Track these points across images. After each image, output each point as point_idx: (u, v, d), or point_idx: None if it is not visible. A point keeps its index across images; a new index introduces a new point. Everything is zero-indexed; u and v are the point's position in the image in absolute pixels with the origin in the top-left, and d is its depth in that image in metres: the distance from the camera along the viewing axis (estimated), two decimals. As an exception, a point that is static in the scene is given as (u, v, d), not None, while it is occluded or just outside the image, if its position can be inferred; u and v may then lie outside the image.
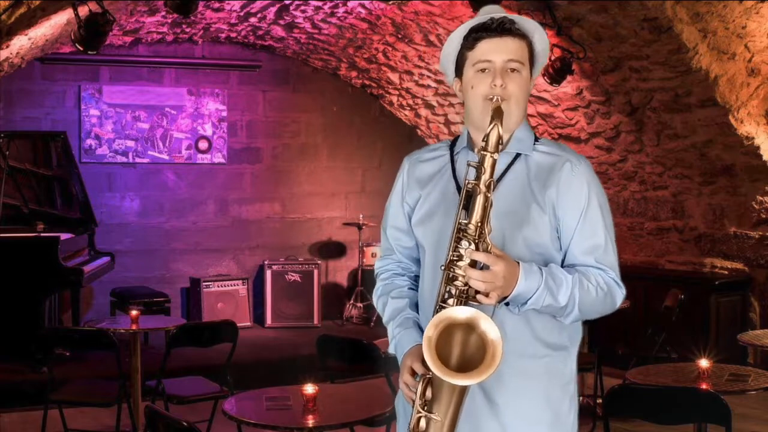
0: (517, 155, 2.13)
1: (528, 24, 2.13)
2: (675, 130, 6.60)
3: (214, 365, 5.54)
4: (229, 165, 8.71)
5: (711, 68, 5.95)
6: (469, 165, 1.97)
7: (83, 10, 5.35)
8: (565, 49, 6.30)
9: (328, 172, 9.11)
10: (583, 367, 5.68)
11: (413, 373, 2.01)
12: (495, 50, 2.10)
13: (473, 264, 1.91)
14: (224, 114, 8.65)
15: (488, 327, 1.87)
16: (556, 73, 6.33)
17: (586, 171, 2.10)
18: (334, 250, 9.11)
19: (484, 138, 1.95)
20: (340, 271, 9.14)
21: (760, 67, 6.05)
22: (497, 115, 1.96)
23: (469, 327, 1.89)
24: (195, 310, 8.23)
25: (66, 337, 5.41)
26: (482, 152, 1.94)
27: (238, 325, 5.19)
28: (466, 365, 1.89)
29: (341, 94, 9.11)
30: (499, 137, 1.94)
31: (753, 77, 6.08)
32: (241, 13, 7.30)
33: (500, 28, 2.10)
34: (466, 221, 1.94)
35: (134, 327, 5.18)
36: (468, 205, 1.95)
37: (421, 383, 1.94)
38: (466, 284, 1.92)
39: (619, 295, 2.09)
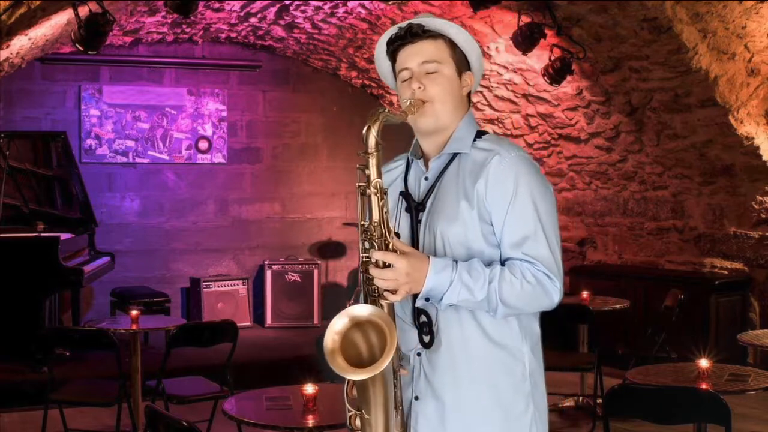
0: (455, 155, 2.14)
1: (437, 23, 2.14)
2: (675, 130, 6.60)
3: (214, 365, 5.54)
4: (229, 165, 8.71)
5: (711, 68, 5.95)
6: (358, 168, 2.01)
7: (83, 11, 5.35)
8: (565, 49, 6.30)
9: (328, 172, 9.12)
10: (583, 367, 5.70)
11: None
12: (409, 56, 2.14)
13: (385, 264, 1.95)
14: (224, 114, 8.65)
15: (368, 311, 1.92)
16: (556, 73, 6.33)
17: (515, 162, 2.06)
18: (334, 250, 9.11)
19: (363, 140, 1.99)
20: (340, 271, 9.14)
21: (759, 67, 6.05)
22: (370, 118, 1.99)
23: (357, 324, 1.93)
24: (195, 310, 8.23)
25: (66, 337, 5.41)
26: (362, 154, 1.98)
27: (238, 325, 5.19)
28: (378, 356, 1.91)
29: (341, 94, 9.11)
30: (375, 139, 1.97)
31: (753, 77, 6.08)
32: (241, 14, 7.30)
33: (410, 34, 2.13)
34: (366, 222, 1.98)
35: (134, 327, 5.19)
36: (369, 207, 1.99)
37: (346, 383, 2.00)
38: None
39: (553, 289, 2.03)
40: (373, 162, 1.97)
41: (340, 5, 6.97)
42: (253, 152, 8.83)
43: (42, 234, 6.73)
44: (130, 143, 8.32)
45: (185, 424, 3.00)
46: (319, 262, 8.61)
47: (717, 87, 6.02)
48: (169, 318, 7.07)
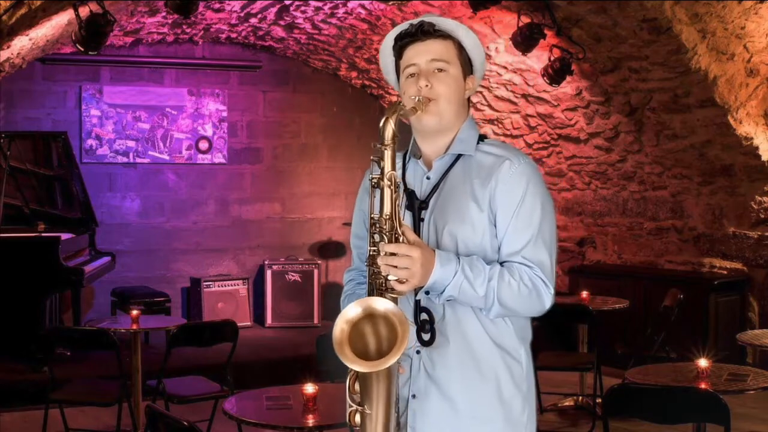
0: (459, 156, 2.16)
1: (448, 24, 2.16)
2: (674, 130, 6.61)
3: (214, 365, 5.55)
4: (230, 165, 8.73)
5: (710, 69, 5.96)
6: (372, 160, 2.02)
7: (84, 11, 5.36)
8: (565, 49, 6.31)
9: (328, 172, 9.13)
10: (582, 366, 5.71)
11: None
12: (418, 53, 2.14)
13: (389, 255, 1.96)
14: (224, 114, 8.66)
15: (385, 305, 1.90)
16: (556, 74, 6.34)
17: (525, 169, 2.10)
18: (334, 250, 9.12)
19: (379, 133, 1.99)
20: (340, 271, 9.14)
21: (758, 67, 6.06)
22: (389, 109, 2.00)
23: (371, 316, 1.92)
24: (195, 309, 8.24)
25: (67, 336, 5.42)
26: (378, 146, 1.98)
27: (238, 324, 5.20)
28: (386, 351, 1.91)
29: (341, 94, 9.12)
30: (393, 132, 1.97)
31: (752, 77, 6.09)
32: (242, 14, 7.31)
33: (421, 32, 2.14)
34: (377, 215, 1.98)
35: (135, 327, 5.20)
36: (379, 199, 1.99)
37: (349, 378, 1.98)
38: (385, 277, 1.96)
39: (547, 294, 2.07)
40: (388, 154, 1.97)
41: (340, 6, 6.98)
42: (254, 152, 8.84)
43: (43, 234, 6.74)
44: (131, 143, 8.33)
45: (186, 423, 3.01)
46: (319, 262, 8.62)
47: (716, 87, 6.03)
48: (170, 318, 7.09)
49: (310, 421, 3.25)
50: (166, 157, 8.46)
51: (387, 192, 1.97)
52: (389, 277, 1.95)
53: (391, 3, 6.19)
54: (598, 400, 5.43)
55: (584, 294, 6.05)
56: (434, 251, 2.00)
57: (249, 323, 8.29)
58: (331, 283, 9.04)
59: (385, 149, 1.97)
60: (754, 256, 6.86)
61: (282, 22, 7.58)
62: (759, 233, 6.78)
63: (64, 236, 6.68)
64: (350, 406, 1.98)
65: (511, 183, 2.08)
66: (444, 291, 2.01)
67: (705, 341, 6.50)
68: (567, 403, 6.09)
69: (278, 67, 8.85)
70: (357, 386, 1.97)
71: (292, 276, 8.45)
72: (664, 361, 5.35)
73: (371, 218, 1.99)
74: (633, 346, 6.53)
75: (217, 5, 7.00)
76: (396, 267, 1.94)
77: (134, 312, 5.30)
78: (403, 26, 2.17)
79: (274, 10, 7.18)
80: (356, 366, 1.88)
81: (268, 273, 8.43)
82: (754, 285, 6.90)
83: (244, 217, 8.82)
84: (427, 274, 1.97)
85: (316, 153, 9.09)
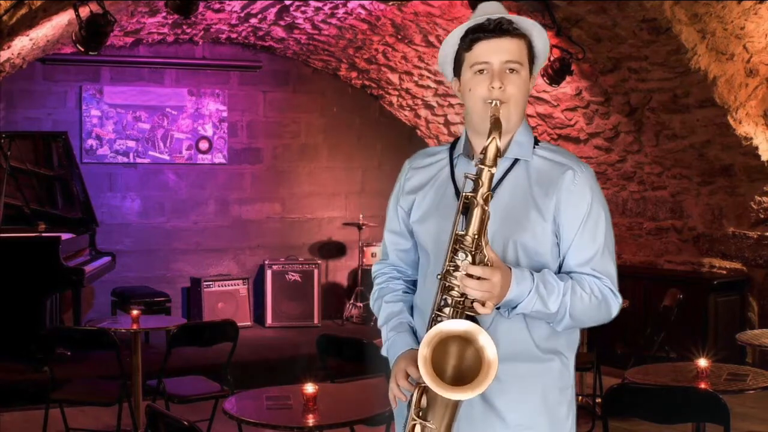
0: (515, 160, 2.11)
1: (526, 23, 2.09)
2: (674, 130, 6.61)
3: (214, 365, 5.56)
4: (230, 165, 8.73)
5: (710, 69, 5.97)
6: (466, 177, 1.96)
7: (84, 11, 5.37)
8: (564, 49, 6.31)
9: (328, 172, 9.13)
10: (582, 366, 5.70)
11: (407, 377, 2.03)
12: (492, 51, 2.06)
13: (470, 275, 1.92)
14: (225, 114, 8.67)
15: (486, 343, 1.88)
16: (556, 74, 6.35)
17: (588, 180, 2.09)
18: (334, 250, 9.13)
19: (482, 151, 1.94)
20: (340, 271, 9.16)
21: (758, 67, 6.06)
22: (495, 127, 1.94)
23: (466, 340, 1.90)
24: (195, 309, 8.24)
25: (67, 336, 5.43)
26: (480, 165, 1.93)
27: (238, 324, 5.20)
28: (461, 377, 1.89)
29: (341, 94, 9.13)
30: (497, 150, 1.93)
31: (751, 78, 6.10)
32: (242, 14, 7.32)
33: (498, 29, 2.06)
34: (463, 232, 1.94)
35: (135, 326, 5.20)
36: (465, 216, 1.95)
37: (416, 391, 1.96)
38: (462, 295, 1.93)
39: (615, 304, 2.08)
40: (488, 175, 1.92)
41: (340, 6, 6.98)
42: (254, 152, 8.85)
43: (43, 234, 6.75)
44: (131, 143, 8.34)
45: (186, 423, 3.01)
46: (319, 262, 8.62)
47: (716, 87, 6.03)
48: (170, 318, 7.09)
49: (310, 421, 3.25)
50: (166, 157, 8.47)
51: (477, 211, 1.92)
52: (468, 297, 1.93)
53: (391, 3, 6.20)
54: (598, 400, 5.43)
55: (584, 294, 6.04)
56: (510, 269, 1.97)
57: (249, 323, 8.29)
58: (331, 283, 9.05)
59: (486, 169, 1.92)
60: (753, 256, 6.87)
61: (282, 23, 7.58)
62: (758, 233, 6.79)
63: (65, 236, 6.69)
64: (413, 420, 1.95)
65: (576, 195, 2.06)
66: (516, 308, 1.99)
67: (705, 341, 6.51)
68: (567, 403, 6.09)
69: (278, 67, 8.86)
70: (424, 400, 1.94)
71: (292, 276, 8.45)
72: (664, 361, 5.35)
73: (456, 235, 1.94)
74: (633, 346, 6.53)
75: (217, 5, 7.00)
76: (477, 290, 1.91)
77: (134, 312, 5.30)
78: (479, 20, 2.07)
79: (274, 10, 7.19)
80: (435, 386, 1.86)
81: (268, 273, 8.43)
82: (753, 285, 6.91)
83: (244, 217, 8.82)
84: (503, 294, 1.95)
85: (316, 153, 9.10)
